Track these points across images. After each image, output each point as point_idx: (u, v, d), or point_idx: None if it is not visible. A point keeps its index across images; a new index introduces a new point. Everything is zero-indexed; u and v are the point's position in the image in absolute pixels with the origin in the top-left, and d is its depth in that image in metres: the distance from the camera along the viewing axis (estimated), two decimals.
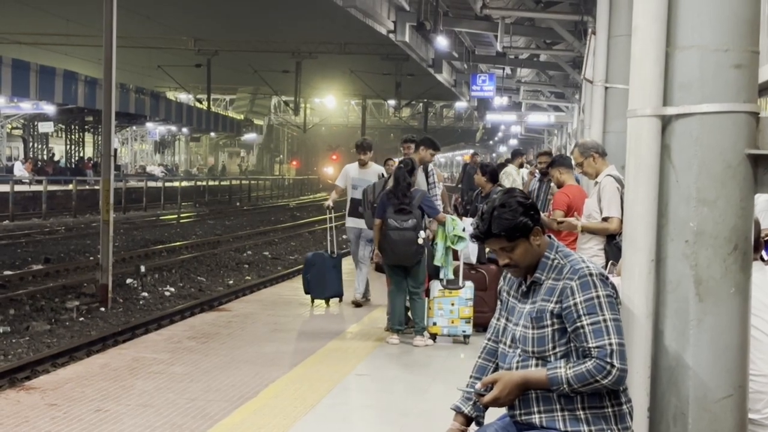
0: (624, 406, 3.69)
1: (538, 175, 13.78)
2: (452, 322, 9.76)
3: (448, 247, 9.85)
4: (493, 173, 11.40)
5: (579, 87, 25.58)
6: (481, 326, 9.49)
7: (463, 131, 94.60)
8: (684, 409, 3.83)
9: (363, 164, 12.40)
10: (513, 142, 72.76)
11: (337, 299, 12.45)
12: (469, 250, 10.26)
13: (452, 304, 9.73)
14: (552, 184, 10.54)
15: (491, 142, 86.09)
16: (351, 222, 12.29)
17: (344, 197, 12.79)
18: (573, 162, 8.52)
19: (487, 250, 8.90)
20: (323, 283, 12.17)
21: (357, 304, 12.20)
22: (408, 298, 9.96)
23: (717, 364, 3.80)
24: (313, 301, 12.25)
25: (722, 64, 3.78)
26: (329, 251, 12.37)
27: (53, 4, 50.98)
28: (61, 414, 6.95)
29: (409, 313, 10.06)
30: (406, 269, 9.81)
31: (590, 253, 7.46)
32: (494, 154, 78.90)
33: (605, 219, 7.53)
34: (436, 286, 9.78)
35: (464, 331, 9.76)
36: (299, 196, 68.86)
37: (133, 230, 31.52)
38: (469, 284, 9.89)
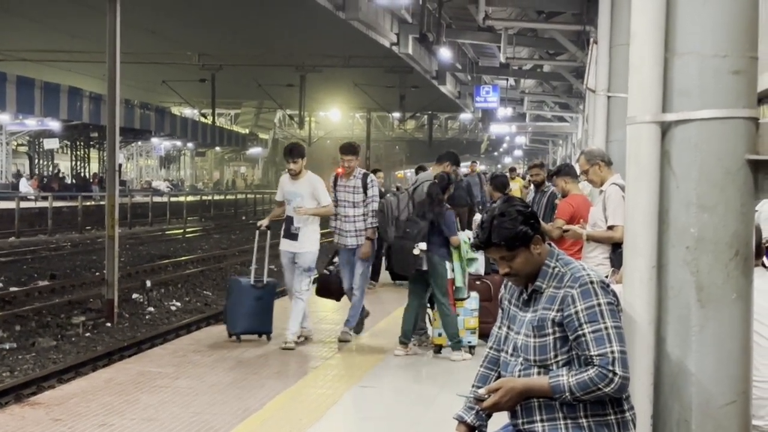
0: (627, 414, 3.68)
1: (533, 187, 13.86)
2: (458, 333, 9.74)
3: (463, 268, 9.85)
4: (499, 183, 11.81)
5: (583, 97, 25.60)
6: (486, 336, 9.48)
7: (468, 143, 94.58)
8: (687, 416, 3.82)
9: (294, 174, 10.29)
10: (518, 153, 72.96)
11: (264, 336, 10.47)
12: (477, 262, 10.26)
13: (457, 315, 9.72)
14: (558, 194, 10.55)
15: (496, 153, 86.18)
16: (284, 245, 10.32)
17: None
18: (578, 170, 8.51)
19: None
20: (237, 315, 10.31)
21: (289, 347, 10.04)
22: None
23: (720, 371, 3.78)
24: (230, 335, 10.42)
25: (721, 69, 3.77)
26: (254, 279, 10.49)
27: (57, 20, 51.16)
28: (65, 429, 6.95)
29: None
30: (428, 283, 9.72)
31: (596, 261, 7.45)
32: (499, 165, 78.96)
33: (610, 227, 7.52)
34: None
35: (470, 342, 9.73)
36: None
37: (138, 245, 31.55)
38: (474, 295, 9.88)
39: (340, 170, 10.74)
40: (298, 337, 10.26)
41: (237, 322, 10.31)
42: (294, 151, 10.31)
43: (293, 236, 10.17)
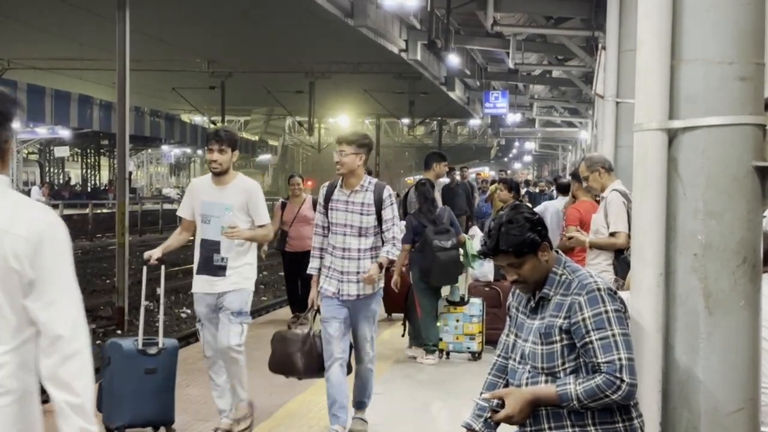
0: (635, 421, 3.68)
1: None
2: (457, 339, 9.82)
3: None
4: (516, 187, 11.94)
5: (592, 102, 25.60)
6: (495, 343, 9.48)
7: (478, 148, 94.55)
8: (696, 423, 3.82)
9: (219, 172, 6.82)
10: (527, 158, 72.94)
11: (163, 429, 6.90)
12: (486, 268, 10.28)
13: (457, 320, 9.79)
14: None
15: (506, 159, 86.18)
16: (201, 285, 6.96)
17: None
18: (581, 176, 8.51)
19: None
20: (118, 397, 6.59)
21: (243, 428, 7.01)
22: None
23: (728, 378, 3.79)
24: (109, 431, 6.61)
25: (727, 76, 3.78)
26: (142, 342, 6.89)
27: (67, 29, 51.33)
28: None
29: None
30: (438, 289, 9.78)
31: (599, 268, 7.44)
32: (508, 171, 78.86)
33: (612, 234, 7.51)
34: (441, 303, 9.84)
35: (469, 348, 9.77)
36: None
37: None
38: (475, 301, 9.90)
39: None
40: (237, 421, 7.00)
41: (119, 408, 6.59)
42: (221, 136, 6.83)
43: (218, 270, 6.79)
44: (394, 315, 11.98)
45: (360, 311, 6.87)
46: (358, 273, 6.77)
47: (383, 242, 6.87)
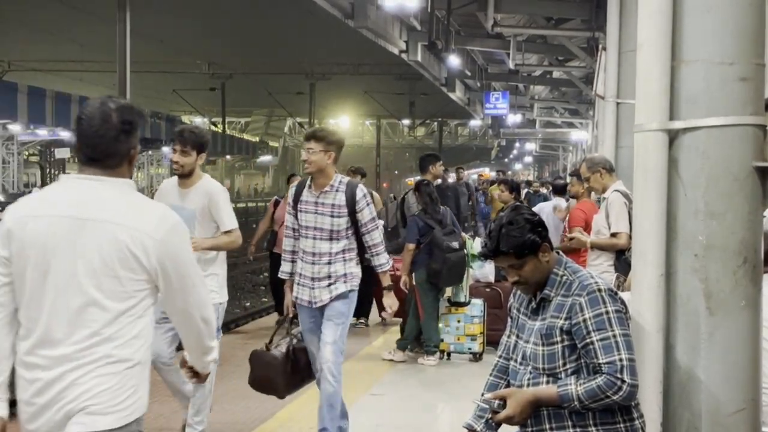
0: (636, 422, 3.68)
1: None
2: (458, 339, 9.82)
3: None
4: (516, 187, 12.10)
5: (592, 103, 25.60)
6: (496, 344, 9.49)
7: (478, 149, 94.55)
8: (697, 423, 3.82)
9: (183, 174, 6.31)
10: (528, 159, 72.96)
11: None
12: (487, 269, 10.28)
13: (458, 321, 9.80)
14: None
15: (506, 160, 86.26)
16: None
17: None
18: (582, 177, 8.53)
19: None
20: None
21: None
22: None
23: (729, 378, 3.79)
24: None
25: (727, 77, 3.78)
26: None
27: (68, 30, 51.36)
28: None
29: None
30: (439, 290, 9.81)
31: (600, 269, 7.44)
32: (509, 172, 78.83)
33: (613, 235, 7.51)
34: (443, 304, 9.85)
35: (470, 349, 9.78)
36: None
37: None
38: (476, 302, 9.90)
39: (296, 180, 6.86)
40: None
41: None
42: (185, 137, 6.32)
43: None
44: (388, 320, 11.88)
45: (325, 313, 6.35)
46: (329, 277, 6.31)
47: (359, 245, 6.43)
